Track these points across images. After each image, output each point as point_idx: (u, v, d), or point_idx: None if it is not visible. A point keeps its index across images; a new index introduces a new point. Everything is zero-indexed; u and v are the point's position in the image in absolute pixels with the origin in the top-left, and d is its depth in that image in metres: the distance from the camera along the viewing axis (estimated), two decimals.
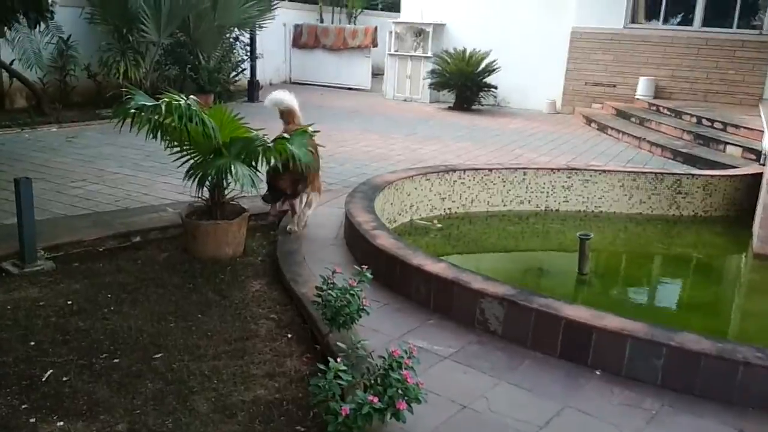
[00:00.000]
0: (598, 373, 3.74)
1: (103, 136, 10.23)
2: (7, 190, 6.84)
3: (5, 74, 11.83)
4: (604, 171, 7.72)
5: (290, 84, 18.71)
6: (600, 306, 4.14)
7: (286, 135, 5.29)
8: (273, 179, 5.55)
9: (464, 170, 7.32)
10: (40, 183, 7.10)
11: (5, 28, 9.34)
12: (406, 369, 2.94)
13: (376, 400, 2.80)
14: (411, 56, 16.24)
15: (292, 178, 5.49)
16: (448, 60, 14.78)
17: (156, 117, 5.01)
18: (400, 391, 2.85)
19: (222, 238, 5.42)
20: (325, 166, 5.44)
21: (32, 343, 3.99)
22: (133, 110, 5.05)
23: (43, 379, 3.60)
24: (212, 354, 3.96)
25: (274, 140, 5.28)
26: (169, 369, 3.78)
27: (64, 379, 3.63)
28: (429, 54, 15.82)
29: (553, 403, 3.45)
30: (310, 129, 5.51)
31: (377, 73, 18.65)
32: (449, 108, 15.18)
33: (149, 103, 5.10)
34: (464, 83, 14.65)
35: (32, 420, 3.25)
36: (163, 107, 4.94)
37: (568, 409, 3.39)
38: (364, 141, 10.92)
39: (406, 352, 3.02)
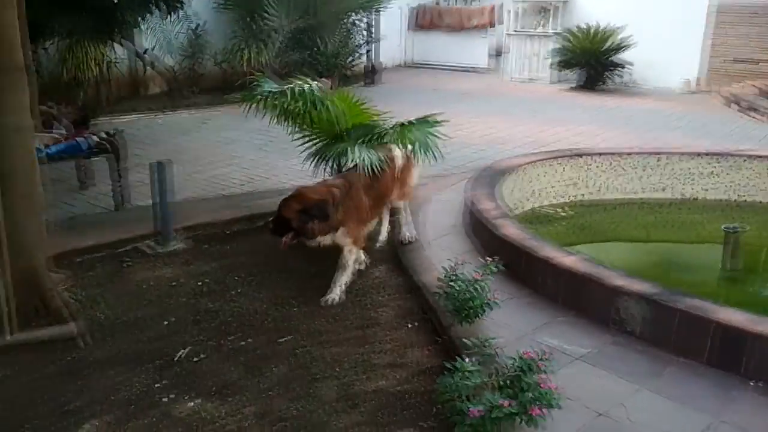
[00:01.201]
0: (752, 384, 3.35)
1: (230, 121, 10.62)
2: (142, 174, 7.25)
3: (140, 63, 12.56)
4: (756, 156, 6.98)
5: (406, 67, 18.64)
6: (754, 308, 3.71)
7: (409, 121, 5.15)
8: (281, 206, 4.41)
9: (594, 155, 6.90)
10: (176, 165, 7.46)
11: (140, 18, 9.87)
12: (540, 372, 2.75)
13: (507, 403, 2.63)
14: (532, 35, 15.63)
15: (300, 208, 4.24)
16: (573, 38, 14.08)
17: (282, 102, 5.06)
18: (534, 396, 2.67)
19: None
20: (442, 150, 5.19)
21: (166, 323, 4.16)
22: (260, 96, 5.13)
23: (176, 358, 3.74)
24: (334, 340, 3.95)
25: (397, 126, 5.17)
26: (293, 353, 3.81)
27: (195, 359, 3.75)
28: (551, 32, 15.14)
29: (702, 416, 3.12)
30: (436, 118, 5.32)
31: (495, 54, 18.14)
32: (573, 88, 14.48)
33: (276, 88, 5.16)
34: (590, 62, 13.91)
35: (165, 399, 3.37)
36: (289, 93, 4.97)
37: (721, 425, 3.06)
38: (483, 124, 10.62)
39: (540, 354, 2.82)
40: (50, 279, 4.30)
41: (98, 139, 6.11)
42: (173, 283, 4.71)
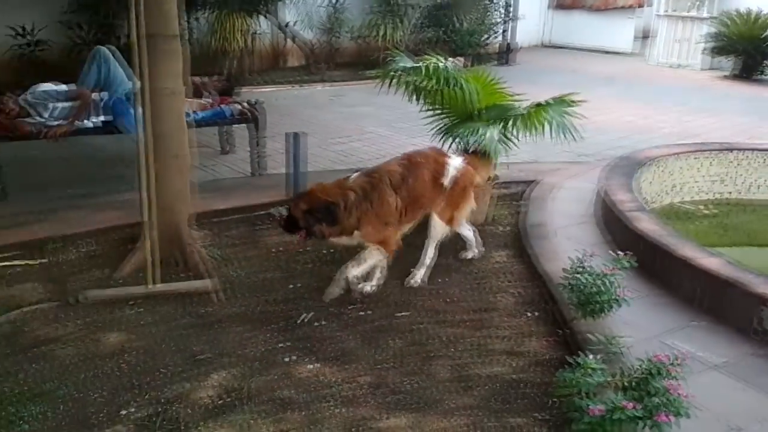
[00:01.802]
0: None
1: (363, 96, 10.80)
2: (282, 142, 7.56)
3: (282, 36, 13.04)
4: None
5: (544, 47, 18.02)
6: None
7: (547, 102, 4.97)
8: (291, 203, 4.24)
9: (747, 150, 6.33)
10: (309, 138, 7.70)
11: None
12: (669, 378, 2.58)
13: (631, 406, 2.50)
14: (684, 17, 14.54)
15: (306, 208, 3.91)
16: (730, 22, 12.94)
17: (416, 79, 5.05)
18: (661, 401, 2.52)
19: None
20: (578, 136, 4.94)
21: (291, 286, 4.34)
22: (394, 72, 5.15)
23: (298, 322, 3.89)
24: (452, 321, 3.94)
25: (533, 106, 5.01)
26: (410, 329, 3.84)
27: (316, 324, 3.88)
28: (706, 15, 14.00)
29: None
30: (573, 98, 5.11)
31: (642, 36, 17.08)
32: (726, 77, 13.36)
33: (411, 65, 5.16)
34: (747, 49, 12.75)
35: (287, 359, 3.52)
36: (424, 70, 4.96)
37: None
38: (624, 110, 10.07)
39: (672, 359, 2.65)
40: (191, 236, 4.61)
41: (241, 108, 6.43)
42: (300, 250, 4.89)
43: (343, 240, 4.09)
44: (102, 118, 5.87)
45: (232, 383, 3.28)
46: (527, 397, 3.24)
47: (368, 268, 4.13)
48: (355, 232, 4.02)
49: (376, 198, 3.99)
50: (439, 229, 4.37)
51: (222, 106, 6.35)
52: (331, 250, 4.86)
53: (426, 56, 5.35)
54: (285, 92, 11.26)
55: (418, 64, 5.07)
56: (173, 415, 3.01)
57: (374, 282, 4.19)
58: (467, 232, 4.71)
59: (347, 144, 7.88)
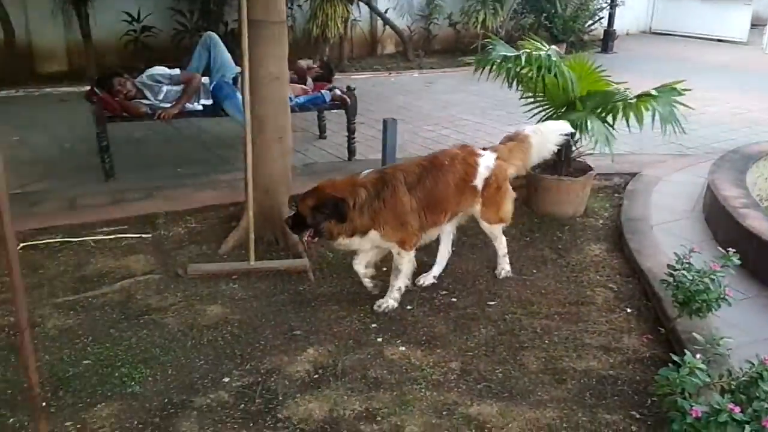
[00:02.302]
0: None
1: (457, 83, 10.73)
2: (374, 128, 7.65)
3: (379, 22, 13.12)
4: None
5: (651, 34, 17.21)
6: None
7: (652, 91, 4.77)
8: (299, 199, 3.89)
9: None
10: (401, 124, 7.75)
11: None
12: None
13: (737, 409, 2.38)
14: None
15: (313, 204, 3.66)
16: None
17: (514, 67, 4.97)
18: None
19: (564, 196, 5.23)
20: (686, 128, 4.70)
21: (384, 269, 4.36)
22: (493, 59, 5.09)
23: None
24: (545, 313, 3.88)
25: (637, 96, 4.82)
26: (501, 318, 3.81)
27: (408, 307, 3.92)
28: None
29: None
30: (680, 87, 4.88)
31: (757, 24, 15.97)
32: None
33: (509, 52, 5.08)
34: None
35: (379, 339, 3.59)
36: (523, 57, 4.87)
37: None
38: (735, 101, 9.48)
39: None
40: None
41: (339, 93, 6.54)
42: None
43: (355, 242, 3.78)
44: (208, 101, 6.14)
45: (326, 359, 3.37)
46: (622, 394, 3.15)
47: (408, 273, 3.94)
48: (371, 233, 3.75)
49: (389, 196, 3.72)
50: (491, 231, 4.25)
51: (321, 91, 6.48)
52: None
53: (524, 42, 5.25)
54: (380, 79, 11.34)
55: (518, 52, 4.99)
56: (271, 386, 3.14)
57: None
58: (503, 238, 4.32)
59: (438, 131, 7.86)
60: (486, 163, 4.03)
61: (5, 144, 6.72)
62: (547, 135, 4.35)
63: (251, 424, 2.88)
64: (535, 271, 4.39)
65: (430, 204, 3.85)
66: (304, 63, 6.91)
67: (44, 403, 2.92)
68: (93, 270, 4.26)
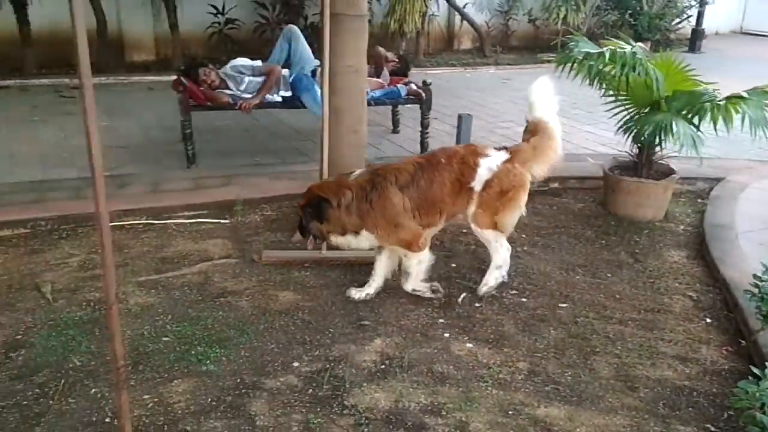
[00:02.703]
0: None
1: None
2: (447, 124, 7.63)
3: (457, 17, 13.04)
4: None
5: (742, 34, 16.38)
6: None
7: (743, 93, 4.55)
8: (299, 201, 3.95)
9: None
10: (475, 120, 7.68)
11: None
12: None
13: None
14: None
15: (303, 203, 3.78)
16: None
17: (596, 64, 4.85)
18: None
19: (643, 198, 5.07)
20: None
21: (453, 265, 4.39)
22: (575, 56, 4.98)
23: (458, 301, 3.93)
24: (618, 318, 3.78)
25: (726, 98, 4.62)
26: (572, 321, 3.74)
27: (477, 305, 3.90)
28: None
29: None
30: None
31: None
32: None
33: (592, 49, 4.96)
34: None
35: (446, 335, 3.59)
36: (607, 55, 4.74)
37: None
38: None
39: None
40: None
41: (414, 88, 6.56)
42: (463, 230, 4.92)
43: (351, 241, 3.79)
44: (287, 93, 6.27)
45: (393, 351, 3.40)
46: (698, 405, 3.04)
47: (418, 274, 3.85)
48: (363, 233, 3.74)
49: (376, 197, 3.66)
50: (483, 235, 3.93)
51: (397, 86, 6.51)
52: None
53: (607, 40, 5.11)
54: (455, 74, 11.29)
55: (601, 49, 4.86)
56: (339, 373, 3.20)
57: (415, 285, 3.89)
58: (501, 248, 3.98)
59: (513, 128, 7.75)
60: (489, 164, 3.80)
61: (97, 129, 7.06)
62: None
63: (318, 409, 2.94)
64: (609, 275, 4.28)
65: (425, 204, 3.76)
66: (382, 50, 6.93)
67: (125, 376, 3.07)
68: (174, 252, 4.45)
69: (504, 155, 3.85)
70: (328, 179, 4.01)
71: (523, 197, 3.88)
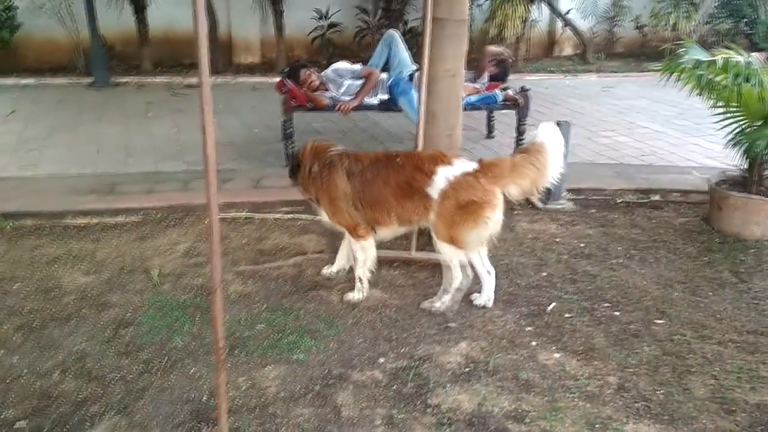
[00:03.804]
0: None
1: (638, 89, 10.18)
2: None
3: (559, 23, 12.78)
4: None
5: None
6: None
7: None
8: None
9: None
10: (574, 128, 7.51)
11: None
12: None
13: None
14: None
15: (298, 152, 4.03)
16: None
17: (707, 73, 4.64)
18: None
19: (752, 216, 4.80)
20: None
21: (544, 274, 4.33)
22: (685, 64, 4.79)
23: (548, 310, 3.88)
24: (718, 338, 3.60)
25: None
26: (668, 338, 3.60)
27: (567, 315, 3.83)
28: None
29: None
30: None
31: None
32: None
33: (704, 58, 4.75)
34: None
35: (533, 343, 3.55)
36: (719, 64, 4.53)
37: None
38: None
39: None
40: None
41: (511, 94, 6.51)
42: (556, 239, 4.85)
43: (317, 209, 4.00)
44: (384, 96, 6.39)
45: (478, 355, 3.41)
46: None
47: (364, 261, 3.88)
48: (321, 205, 3.92)
49: (326, 176, 3.78)
50: (440, 248, 3.74)
51: (495, 91, 6.48)
52: (588, 243, 4.76)
53: (719, 49, 4.88)
54: (554, 81, 11.07)
55: (714, 58, 4.65)
56: (423, 372, 3.24)
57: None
58: (480, 267, 3.87)
59: (613, 138, 7.52)
60: (446, 173, 3.60)
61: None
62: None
63: (402, 405, 3.00)
64: (710, 293, 4.08)
65: (367, 198, 3.75)
66: (495, 49, 6.89)
67: (224, 358, 3.25)
68: (271, 245, 4.65)
69: (469, 167, 3.64)
70: (320, 142, 4.00)
71: (487, 214, 3.57)
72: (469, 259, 3.83)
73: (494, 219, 3.60)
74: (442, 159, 3.69)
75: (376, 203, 3.77)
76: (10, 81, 9.85)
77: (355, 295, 3.93)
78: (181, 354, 3.34)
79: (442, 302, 3.84)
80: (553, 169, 3.62)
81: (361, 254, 3.90)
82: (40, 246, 4.52)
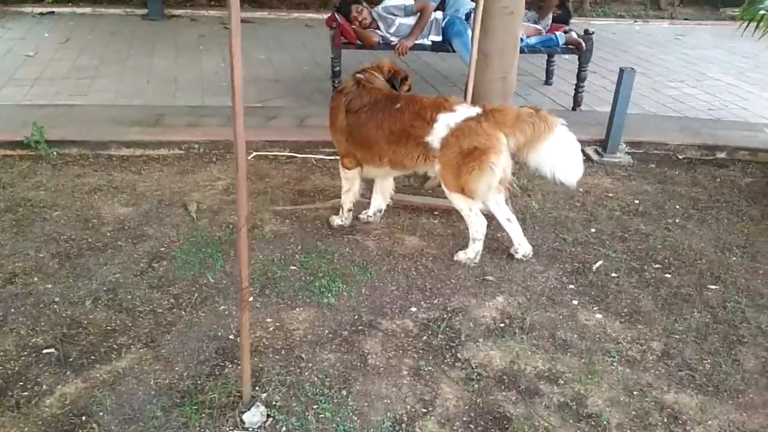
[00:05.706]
0: None
1: (713, 39, 9.52)
2: (607, 79, 7.10)
3: None
4: None
5: None
6: None
7: None
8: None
9: None
10: (639, 77, 7.08)
11: None
12: None
13: None
14: None
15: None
16: None
17: None
18: None
19: None
20: None
21: (593, 230, 4.12)
22: (765, 11, 4.36)
23: (593, 268, 3.69)
24: None
25: None
26: (720, 305, 3.38)
27: (613, 275, 3.63)
28: None
29: None
30: None
31: None
32: None
33: None
34: None
35: (575, 302, 3.38)
36: None
37: None
38: None
39: None
40: None
41: (574, 37, 6.12)
42: (609, 194, 4.60)
43: None
44: (437, 37, 6.09)
45: (514, 310, 3.27)
46: None
47: (345, 189, 3.93)
48: None
49: (332, 103, 3.83)
50: (451, 199, 3.62)
51: (555, 33, 6.11)
52: (644, 200, 4.51)
53: None
54: (622, 26, 10.46)
55: None
56: (455, 325, 3.13)
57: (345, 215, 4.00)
58: (499, 215, 3.72)
59: (681, 89, 7.06)
60: (448, 120, 3.46)
61: (254, 61, 7.36)
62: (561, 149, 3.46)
63: (431, 357, 2.90)
64: None
65: (357, 138, 3.69)
66: None
67: (251, 298, 3.21)
68: (311, 185, 4.55)
69: (472, 112, 3.49)
70: (380, 62, 4.05)
71: (491, 159, 3.40)
72: (487, 207, 3.69)
73: (500, 164, 3.44)
74: (444, 105, 3.54)
75: (366, 145, 3.71)
76: (67, 9, 9.90)
77: (336, 220, 4.01)
78: (211, 291, 3.31)
79: (466, 253, 3.71)
80: (562, 170, 3.49)
81: (345, 183, 3.94)
82: (82, 175, 4.54)
